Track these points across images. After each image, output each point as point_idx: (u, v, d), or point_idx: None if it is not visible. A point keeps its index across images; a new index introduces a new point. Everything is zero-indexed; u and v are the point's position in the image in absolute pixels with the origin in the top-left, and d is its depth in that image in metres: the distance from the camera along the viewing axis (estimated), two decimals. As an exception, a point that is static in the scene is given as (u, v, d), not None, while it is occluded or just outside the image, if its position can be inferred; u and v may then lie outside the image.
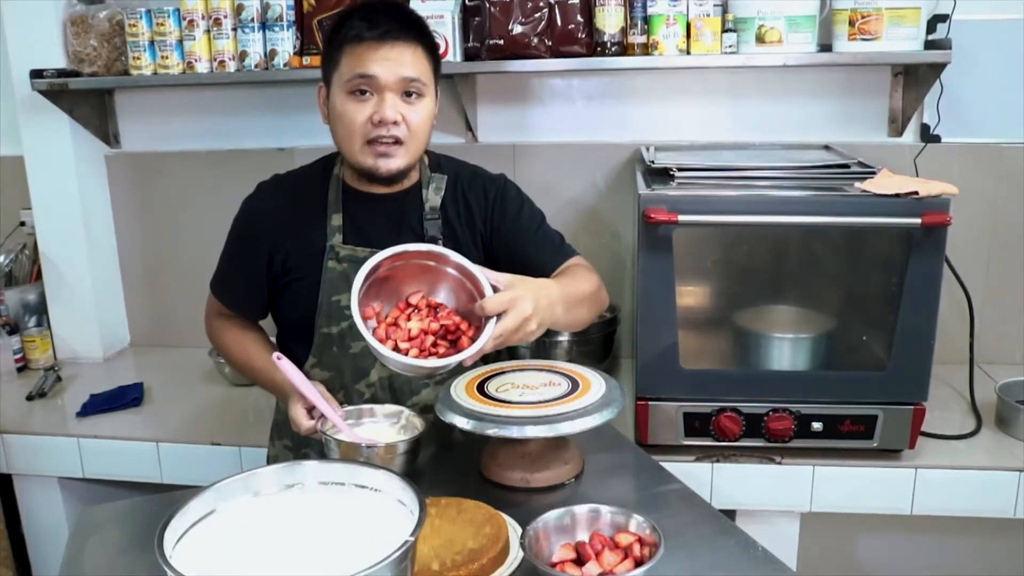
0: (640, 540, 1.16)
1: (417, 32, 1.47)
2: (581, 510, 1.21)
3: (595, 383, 1.46)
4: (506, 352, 2.27)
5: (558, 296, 1.40)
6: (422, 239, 1.55)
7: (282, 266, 1.57)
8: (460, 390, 1.45)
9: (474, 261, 1.55)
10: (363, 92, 1.44)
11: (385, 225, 1.56)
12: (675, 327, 1.76)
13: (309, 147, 2.39)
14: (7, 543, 2.21)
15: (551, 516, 1.19)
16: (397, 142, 1.46)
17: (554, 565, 1.12)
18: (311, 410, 1.44)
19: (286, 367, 1.38)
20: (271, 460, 1.76)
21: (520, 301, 1.30)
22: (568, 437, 1.42)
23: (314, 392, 1.40)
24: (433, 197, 1.58)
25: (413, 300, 1.35)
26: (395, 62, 1.42)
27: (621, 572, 1.11)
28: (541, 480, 1.41)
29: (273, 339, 1.72)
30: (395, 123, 1.44)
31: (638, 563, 1.12)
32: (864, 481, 1.80)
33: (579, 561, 1.14)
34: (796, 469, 1.81)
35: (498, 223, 1.61)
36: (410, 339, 1.30)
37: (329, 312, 1.56)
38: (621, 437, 1.66)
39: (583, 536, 1.19)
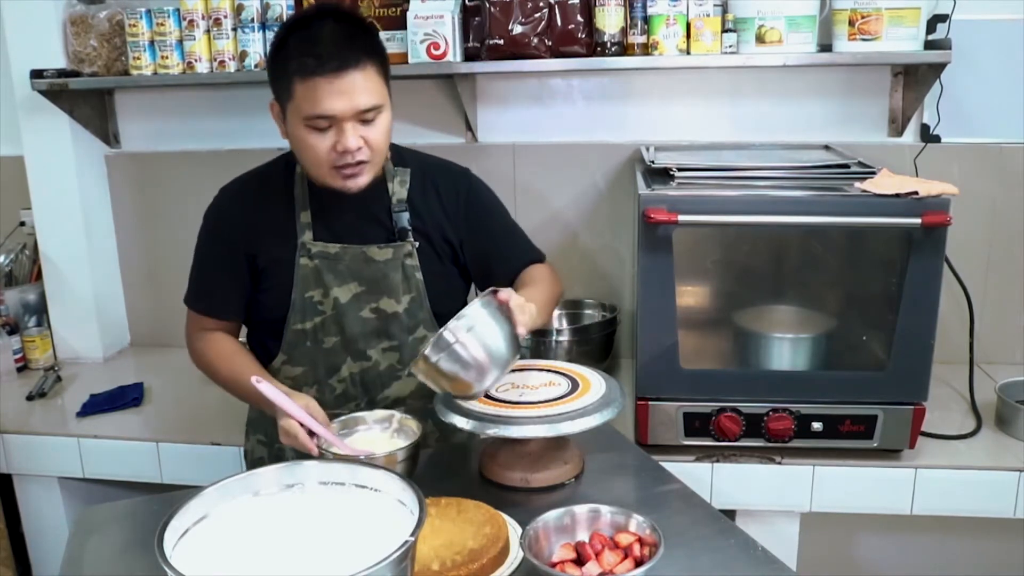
0: (640, 540, 1.16)
1: (365, 51, 1.42)
2: (581, 510, 1.21)
3: (595, 383, 1.46)
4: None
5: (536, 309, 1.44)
6: (392, 232, 1.57)
7: (255, 265, 1.58)
8: None
9: (438, 254, 1.62)
10: (322, 128, 1.43)
11: (353, 220, 1.57)
12: (675, 327, 1.76)
13: (309, 147, 2.39)
14: (7, 543, 2.21)
15: (551, 516, 1.20)
16: (362, 162, 1.46)
17: (554, 565, 1.13)
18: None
19: (267, 390, 1.36)
20: (247, 454, 1.78)
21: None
22: (568, 437, 1.42)
23: (300, 411, 1.37)
24: (399, 190, 1.59)
25: None
26: (350, 95, 1.40)
27: (621, 572, 1.11)
28: (541, 480, 1.41)
29: (243, 339, 1.72)
30: (358, 149, 1.44)
31: (638, 563, 1.12)
32: (864, 481, 1.80)
33: (579, 561, 1.14)
34: (796, 469, 1.81)
35: (472, 218, 1.63)
36: None
37: (303, 309, 1.57)
38: (621, 437, 1.66)
39: (583, 536, 1.19)
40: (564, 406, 1.37)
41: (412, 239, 1.57)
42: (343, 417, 1.45)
